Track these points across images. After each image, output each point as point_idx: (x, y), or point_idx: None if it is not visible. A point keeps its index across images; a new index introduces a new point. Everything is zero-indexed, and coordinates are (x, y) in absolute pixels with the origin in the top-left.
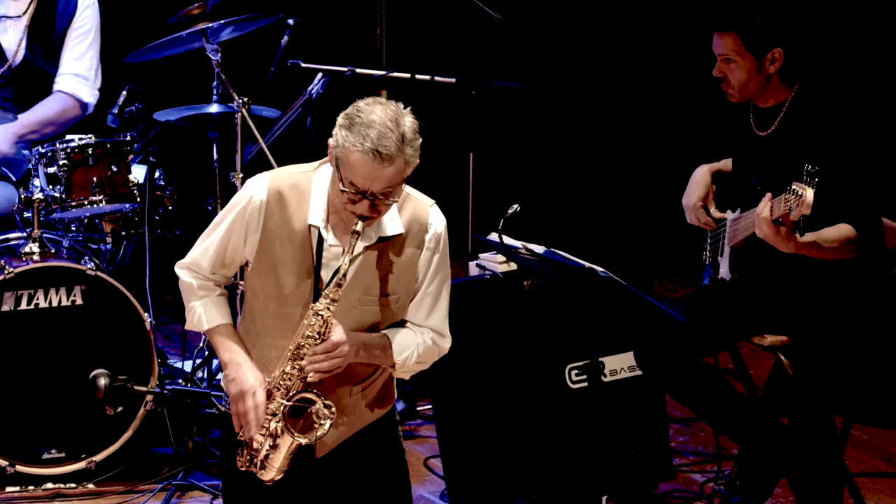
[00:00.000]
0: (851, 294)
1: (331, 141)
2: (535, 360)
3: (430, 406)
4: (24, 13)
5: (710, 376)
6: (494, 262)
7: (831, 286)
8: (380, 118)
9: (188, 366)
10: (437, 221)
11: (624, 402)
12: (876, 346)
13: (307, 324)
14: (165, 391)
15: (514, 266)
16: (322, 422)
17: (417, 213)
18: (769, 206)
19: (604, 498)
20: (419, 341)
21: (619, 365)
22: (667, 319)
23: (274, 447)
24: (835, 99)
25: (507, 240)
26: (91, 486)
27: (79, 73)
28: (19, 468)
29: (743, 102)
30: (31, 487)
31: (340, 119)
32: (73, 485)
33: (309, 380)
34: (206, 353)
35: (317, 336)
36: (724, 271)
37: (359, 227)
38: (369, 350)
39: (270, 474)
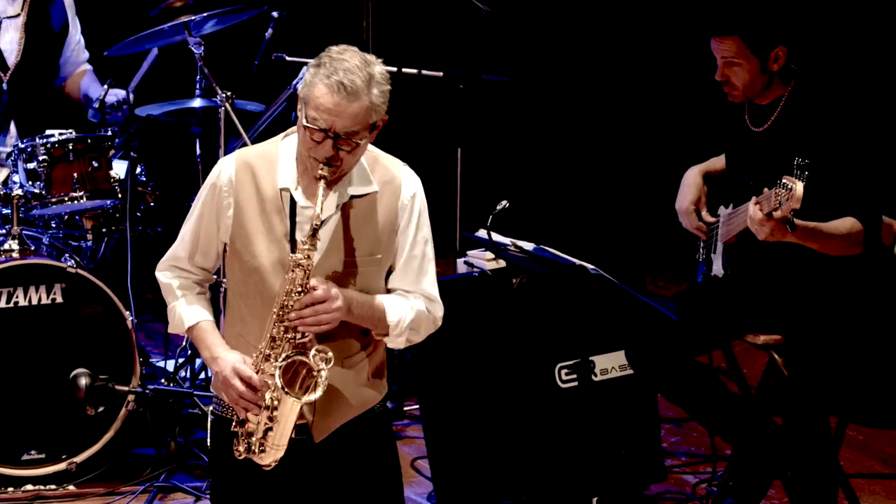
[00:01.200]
0: (847, 292)
1: (299, 85)
2: (524, 359)
3: (417, 406)
4: (21, 12)
5: (703, 375)
6: (483, 260)
7: (826, 283)
8: (349, 58)
9: (170, 365)
10: (411, 180)
11: (615, 402)
12: (872, 344)
13: (289, 278)
14: (147, 391)
15: (502, 263)
16: (321, 367)
17: (390, 172)
18: (758, 207)
19: (594, 499)
20: (411, 304)
21: (610, 364)
22: (659, 317)
23: (272, 419)
24: (831, 94)
25: (496, 237)
26: (72, 487)
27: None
28: None
29: (744, 101)
30: (9, 489)
31: (311, 62)
32: (53, 486)
33: (300, 340)
34: (189, 352)
35: (300, 289)
36: (717, 268)
37: (324, 171)
38: (360, 308)
39: (270, 456)
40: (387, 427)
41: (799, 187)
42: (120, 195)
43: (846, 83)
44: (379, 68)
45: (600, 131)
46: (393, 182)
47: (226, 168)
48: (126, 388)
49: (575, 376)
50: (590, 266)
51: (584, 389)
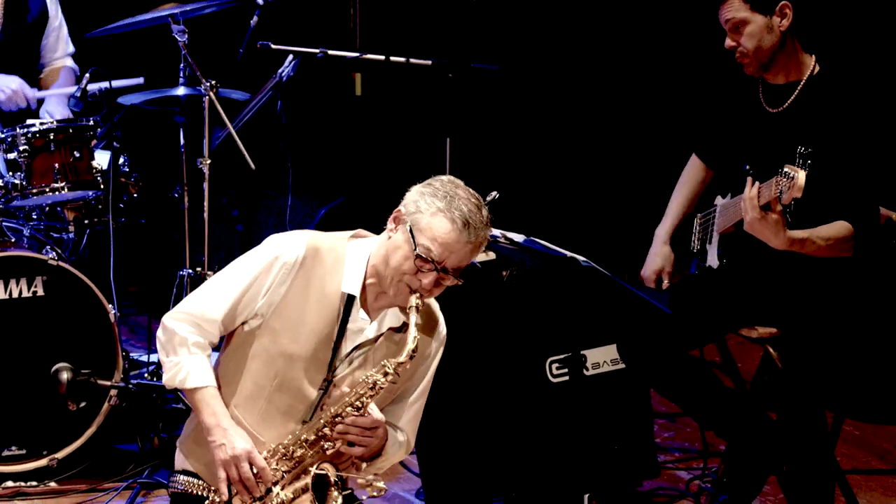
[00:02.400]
0: (844, 284)
1: (402, 207)
2: (514, 353)
3: None
4: None
5: (697, 369)
6: None
7: (823, 276)
8: (464, 195)
9: (154, 359)
10: (443, 329)
11: (607, 397)
12: (869, 338)
13: (355, 392)
14: (130, 386)
15: (492, 255)
16: (370, 488)
17: (432, 316)
18: (756, 186)
19: (586, 496)
20: (398, 440)
21: (602, 358)
22: (651, 310)
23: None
24: (851, 86)
25: None
26: (53, 484)
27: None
28: None
29: (759, 72)
30: None
31: (419, 187)
32: (34, 483)
33: (330, 452)
34: None
35: (359, 406)
36: (712, 259)
37: (417, 300)
38: (385, 444)
39: None
40: None
41: (801, 176)
42: (102, 186)
43: (868, 77)
44: (487, 211)
45: (592, 121)
46: (430, 328)
47: (295, 247)
48: (108, 383)
49: (566, 370)
50: (581, 258)
51: (575, 384)
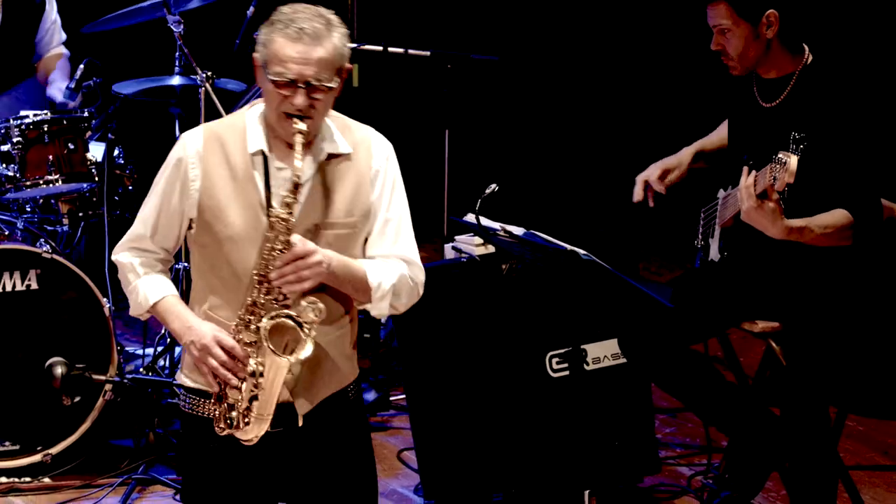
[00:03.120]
0: (847, 278)
1: (255, 55)
2: (514, 347)
3: (403, 396)
4: None
5: (698, 364)
6: (471, 245)
7: (826, 269)
8: (301, 9)
9: (149, 354)
10: (383, 144)
11: (607, 392)
12: (873, 333)
13: (269, 236)
14: (125, 380)
15: (491, 249)
16: (311, 318)
17: (361, 136)
18: (753, 175)
19: (586, 492)
20: (391, 267)
21: (603, 352)
22: (653, 304)
23: (257, 387)
24: (846, 75)
25: (485, 221)
26: (47, 479)
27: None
28: None
29: (745, 74)
30: None
31: (262, 28)
32: (27, 479)
33: (282, 303)
34: (168, 340)
35: (280, 248)
36: (713, 252)
37: (300, 124)
38: (340, 268)
39: (254, 430)
40: (360, 414)
41: (793, 160)
42: (97, 178)
43: (862, 66)
44: (334, 16)
45: (592, 112)
46: (366, 145)
47: (191, 140)
48: (103, 378)
49: (566, 365)
50: (581, 251)
51: (575, 379)
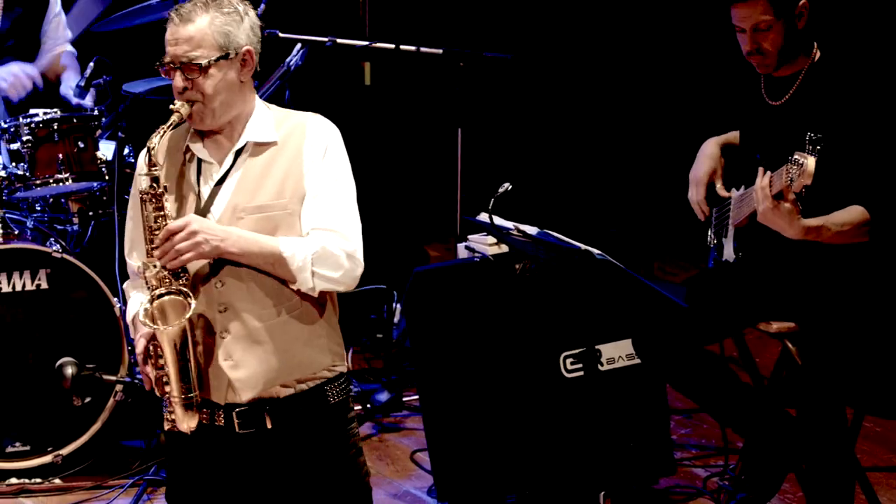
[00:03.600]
0: (864, 277)
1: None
2: (528, 347)
3: (416, 396)
4: None
5: (714, 365)
6: (484, 245)
7: (842, 269)
8: None
9: None
10: (318, 126)
11: (622, 393)
12: (890, 332)
13: (144, 215)
14: (136, 381)
15: (505, 248)
16: (147, 276)
17: (295, 122)
18: (768, 176)
19: (601, 494)
20: (313, 239)
21: (617, 353)
22: (667, 304)
23: (161, 368)
24: (854, 71)
25: (498, 220)
26: (57, 480)
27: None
28: None
29: (775, 70)
30: None
31: None
32: (38, 480)
33: (178, 285)
34: None
35: (156, 226)
36: (728, 253)
37: (178, 104)
38: (242, 241)
39: (182, 418)
40: (343, 421)
41: (811, 162)
42: (107, 177)
43: (870, 60)
44: (232, 1)
45: (606, 110)
46: (298, 130)
47: (143, 151)
48: (114, 378)
49: (580, 366)
50: (595, 251)
51: (590, 379)
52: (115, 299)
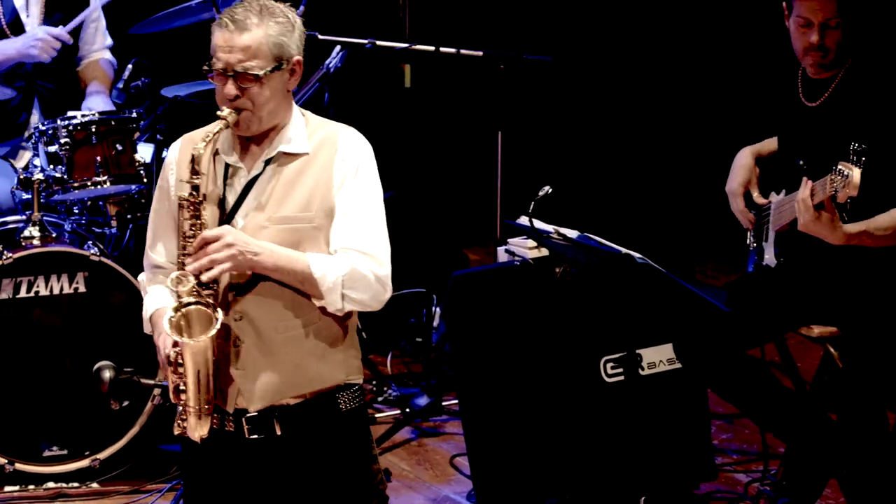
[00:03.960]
0: None
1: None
2: (568, 352)
3: (455, 401)
4: None
5: (755, 369)
6: (524, 248)
7: (884, 273)
8: (248, 1)
9: None
10: (350, 141)
11: (663, 397)
12: None
13: (180, 221)
14: None
15: (545, 252)
16: (181, 289)
17: (328, 134)
18: (809, 187)
19: (642, 499)
20: (344, 259)
21: (658, 357)
22: (708, 309)
23: (180, 375)
24: (891, 71)
25: (539, 224)
26: (95, 485)
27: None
28: (19, 466)
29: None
30: (31, 487)
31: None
32: (75, 484)
33: (207, 293)
34: None
35: (192, 233)
36: (769, 257)
37: (225, 112)
38: (275, 257)
39: (195, 426)
40: (356, 430)
41: (856, 174)
42: (145, 180)
43: None
44: (281, 7)
45: (647, 113)
46: (330, 143)
47: (173, 146)
48: (152, 382)
49: (621, 370)
50: (636, 255)
51: (630, 384)
52: None
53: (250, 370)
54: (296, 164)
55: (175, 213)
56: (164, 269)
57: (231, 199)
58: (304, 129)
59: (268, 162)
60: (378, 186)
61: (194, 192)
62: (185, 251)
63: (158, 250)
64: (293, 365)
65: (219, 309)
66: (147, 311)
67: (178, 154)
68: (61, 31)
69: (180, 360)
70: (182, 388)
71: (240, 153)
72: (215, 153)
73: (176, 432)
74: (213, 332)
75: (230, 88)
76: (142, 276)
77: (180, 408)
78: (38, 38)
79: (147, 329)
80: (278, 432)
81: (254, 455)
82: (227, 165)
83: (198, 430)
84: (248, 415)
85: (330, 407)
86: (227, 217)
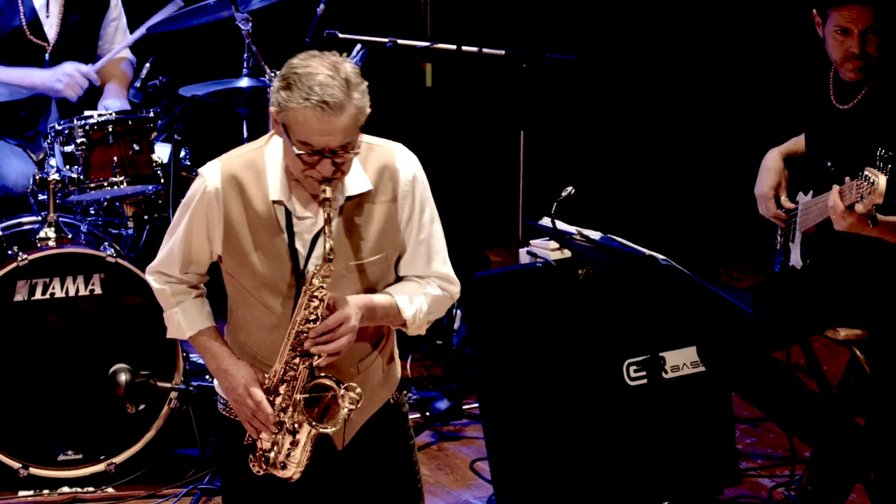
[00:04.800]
0: None
1: (271, 109)
2: (590, 354)
3: (476, 404)
4: None
5: (780, 373)
6: (547, 249)
7: None
8: (317, 69)
9: None
10: (405, 164)
11: (686, 401)
12: None
13: (304, 305)
14: (191, 388)
15: (567, 253)
16: (347, 406)
17: (382, 161)
18: (838, 195)
19: (665, 503)
20: (425, 292)
21: (682, 360)
22: (733, 311)
23: (294, 443)
24: None
25: (561, 225)
26: (110, 490)
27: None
28: (33, 471)
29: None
30: (45, 491)
31: (276, 82)
32: (91, 489)
33: (316, 364)
34: None
35: (315, 318)
36: (795, 259)
37: (328, 192)
38: (372, 310)
39: (291, 471)
40: (400, 419)
41: (882, 181)
42: (163, 180)
43: None
44: (349, 67)
45: (671, 113)
46: (387, 172)
47: (211, 179)
48: (168, 385)
49: (644, 373)
50: (660, 256)
51: (653, 387)
52: None
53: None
54: (361, 205)
55: (211, 244)
56: (193, 283)
57: (301, 249)
58: (358, 164)
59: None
60: (432, 202)
61: (323, 287)
62: (299, 335)
63: (190, 272)
64: (369, 396)
65: (346, 410)
66: (185, 328)
67: (223, 195)
68: (90, 69)
69: (294, 429)
70: (279, 449)
71: (302, 200)
72: (274, 201)
73: (258, 473)
74: (342, 421)
75: (328, 168)
76: (157, 284)
77: (271, 454)
78: (66, 73)
79: (173, 335)
80: (339, 448)
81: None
82: (287, 214)
83: (292, 472)
84: None
85: (385, 414)
86: (301, 270)
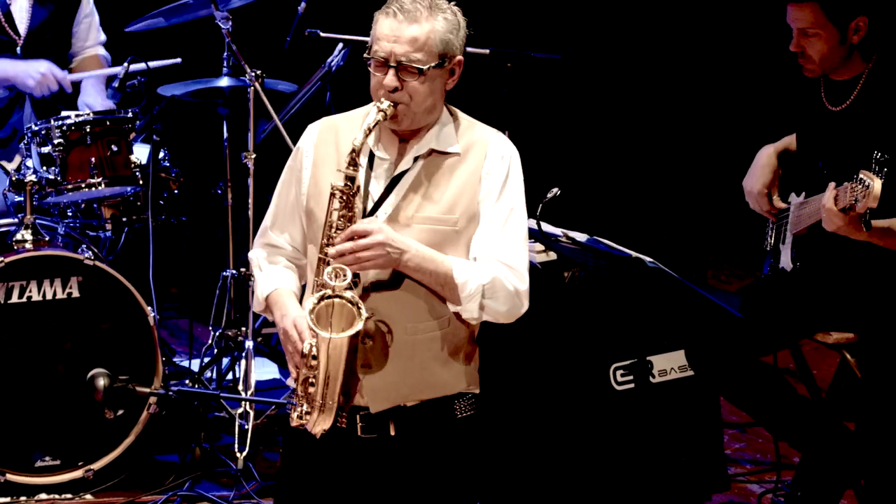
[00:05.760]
0: None
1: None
2: (576, 358)
3: None
4: None
5: (769, 377)
6: (532, 252)
7: None
8: None
9: (195, 365)
10: (500, 146)
11: (674, 406)
12: None
13: (329, 209)
14: (170, 393)
15: (553, 256)
16: (336, 283)
17: (479, 136)
18: (834, 195)
19: None
20: (487, 268)
21: (669, 365)
22: (721, 314)
23: (311, 367)
24: None
25: (546, 227)
26: (89, 496)
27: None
28: (10, 477)
29: (820, 76)
30: (22, 498)
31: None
32: (68, 495)
33: (343, 283)
34: (215, 350)
35: (341, 223)
36: (785, 260)
37: (384, 104)
38: (418, 258)
39: (316, 420)
40: (467, 438)
41: (877, 185)
42: (141, 182)
43: None
44: (449, 4)
45: (658, 112)
46: (480, 146)
47: (311, 131)
48: (147, 390)
49: (631, 378)
50: (647, 258)
51: (641, 392)
52: (149, 308)
53: (376, 369)
54: (445, 164)
55: (302, 198)
56: (283, 249)
57: (374, 192)
58: (454, 129)
59: (416, 158)
60: (522, 197)
61: (349, 183)
62: (329, 241)
63: (281, 233)
64: (420, 368)
65: (363, 306)
66: (263, 290)
67: (316, 138)
68: (65, 76)
69: (315, 354)
70: (312, 380)
71: (387, 145)
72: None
73: (293, 424)
74: (356, 329)
75: (391, 80)
76: (255, 253)
77: (296, 400)
78: (40, 71)
79: (257, 308)
80: (392, 433)
81: (363, 453)
82: (371, 155)
83: (320, 423)
84: (363, 412)
85: (446, 412)
86: (370, 210)
